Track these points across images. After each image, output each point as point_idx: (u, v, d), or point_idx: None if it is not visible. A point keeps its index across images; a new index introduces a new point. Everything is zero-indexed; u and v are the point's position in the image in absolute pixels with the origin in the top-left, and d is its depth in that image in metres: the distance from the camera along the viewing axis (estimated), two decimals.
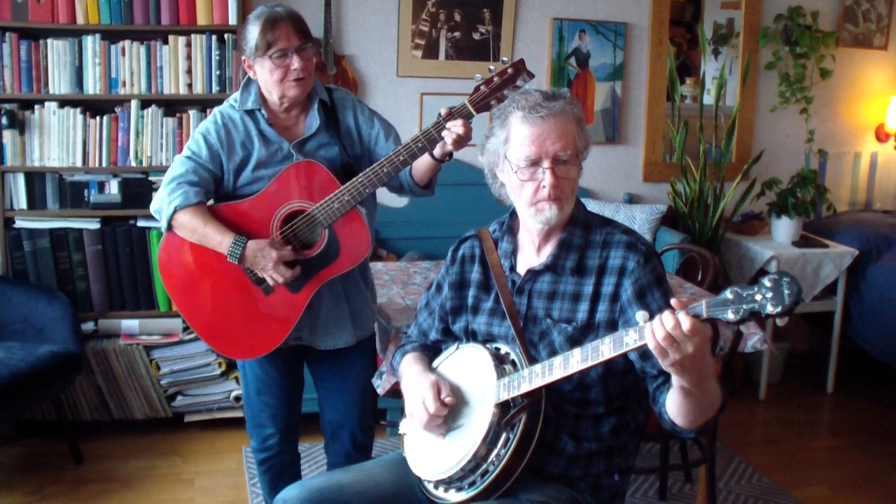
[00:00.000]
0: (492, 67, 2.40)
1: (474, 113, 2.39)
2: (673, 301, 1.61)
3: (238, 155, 2.53)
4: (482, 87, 2.38)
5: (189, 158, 2.51)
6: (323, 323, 2.62)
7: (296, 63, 2.43)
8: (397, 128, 2.71)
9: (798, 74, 4.82)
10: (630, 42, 4.69)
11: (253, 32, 2.43)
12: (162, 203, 2.48)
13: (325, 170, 2.47)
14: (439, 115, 2.38)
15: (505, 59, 2.43)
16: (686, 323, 1.58)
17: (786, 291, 1.49)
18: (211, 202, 2.56)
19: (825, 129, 5.05)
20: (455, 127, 2.34)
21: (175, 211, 2.45)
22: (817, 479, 3.79)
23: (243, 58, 2.50)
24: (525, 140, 1.94)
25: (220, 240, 2.45)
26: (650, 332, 1.61)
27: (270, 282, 2.48)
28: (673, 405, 1.79)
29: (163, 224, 2.50)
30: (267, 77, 2.46)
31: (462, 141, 2.36)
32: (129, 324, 3.93)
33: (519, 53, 4.50)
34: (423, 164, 2.48)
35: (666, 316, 1.60)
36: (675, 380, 1.70)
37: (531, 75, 2.41)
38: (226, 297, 2.55)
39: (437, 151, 2.42)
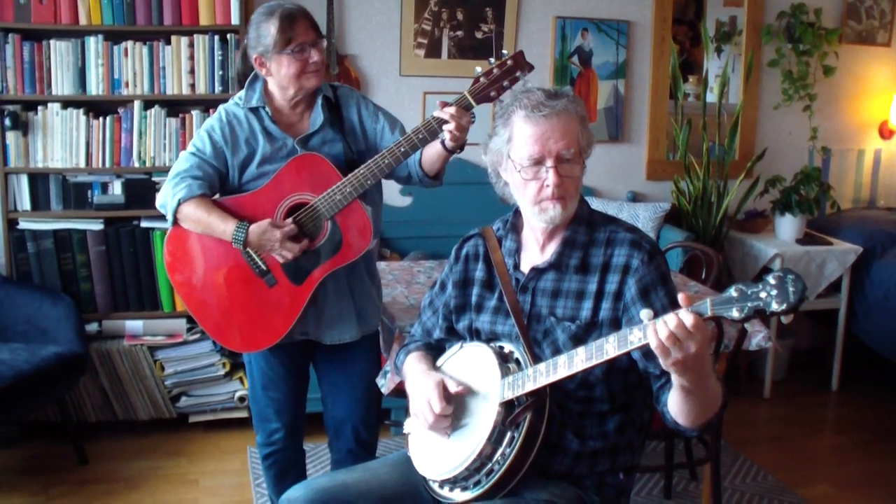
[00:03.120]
0: (492, 60, 2.42)
1: (474, 103, 2.40)
2: (680, 296, 1.61)
3: (242, 151, 2.55)
4: (481, 79, 2.41)
5: (193, 155, 2.55)
6: (328, 317, 2.63)
7: (315, 56, 2.47)
8: None
9: (801, 72, 4.81)
10: (633, 40, 4.68)
11: (269, 30, 2.44)
12: (167, 197, 2.52)
13: (327, 162, 2.49)
14: (439, 106, 2.39)
15: (505, 51, 2.44)
16: (689, 319, 1.57)
17: (790, 289, 1.49)
18: (217, 197, 2.58)
19: (828, 126, 5.04)
20: (454, 117, 2.35)
21: (179, 203, 2.48)
22: (822, 477, 3.78)
23: (255, 55, 2.50)
24: (528, 139, 1.93)
25: (223, 227, 2.47)
26: (653, 331, 1.61)
27: (280, 259, 2.49)
28: (675, 404, 1.79)
29: (168, 217, 2.53)
30: (284, 72, 2.48)
31: (462, 130, 2.37)
32: (133, 324, 3.93)
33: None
34: (433, 153, 2.49)
35: (669, 316, 1.60)
36: (676, 379, 1.70)
37: (531, 67, 2.41)
38: (230, 291, 2.57)
39: (448, 143, 2.42)
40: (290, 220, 2.48)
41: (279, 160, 2.54)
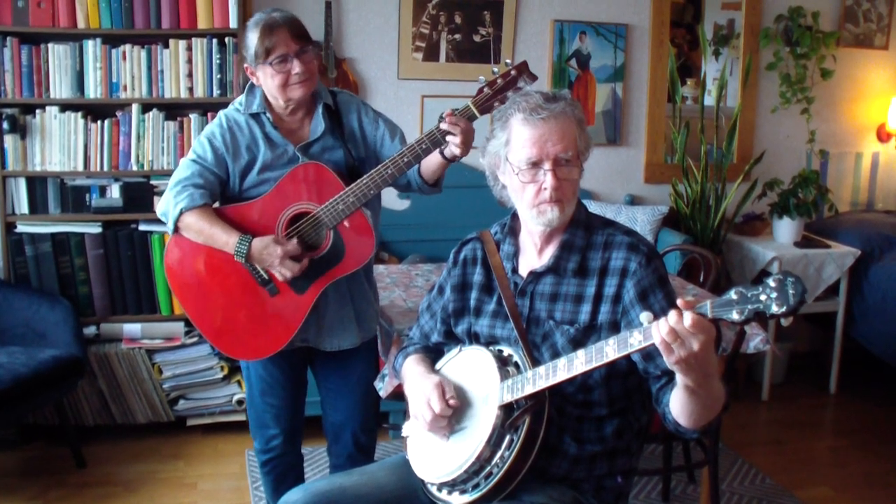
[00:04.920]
0: (495, 70, 2.42)
1: (477, 114, 2.40)
2: (679, 301, 1.61)
3: (243, 158, 2.54)
4: (485, 89, 2.40)
5: (194, 162, 2.53)
6: (329, 324, 2.63)
7: (297, 68, 2.44)
8: None
9: (799, 75, 4.82)
10: (631, 43, 4.69)
11: (252, 40, 2.44)
12: (168, 205, 2.51)
13: (331, 171, 2.48)
14: (441, 116, 2.39)
15: (508, 60, 2.45)
16: (688, 318, 1.57)
17: (790, 291, 1.49)
18: (217, 204, 2.57)
19: (826, 129, 5.05)
20: (458, 130, 2.35)
21: (181, 213, 2.47)
22: (820, 480, 3.78)
23: (245, 65, 2.51)
24: (526, 142, 1.94)
25: (226, 239, 2.46)
26: (656, 328, 1.60)
27: (279, 277, 2.48)
28: (677, 405, 1.79)
29: (169, 226, 2.52)
30: (269, 83, 2.47)
31: (466, 143, 2.37)
32: (131, 328, 3.93)
33: (520, 55, 4.50)
34: (432, 162, 2.50)
35: (671, 313, 1.60)
36: (680, 378, 1.69)
37: (534, 77, 2.42)
38: (232, 299, 2.56)
39: (447, 152, 2.42)
40: (294, 240, 2.47)
41: (280, 167, 2.53)
